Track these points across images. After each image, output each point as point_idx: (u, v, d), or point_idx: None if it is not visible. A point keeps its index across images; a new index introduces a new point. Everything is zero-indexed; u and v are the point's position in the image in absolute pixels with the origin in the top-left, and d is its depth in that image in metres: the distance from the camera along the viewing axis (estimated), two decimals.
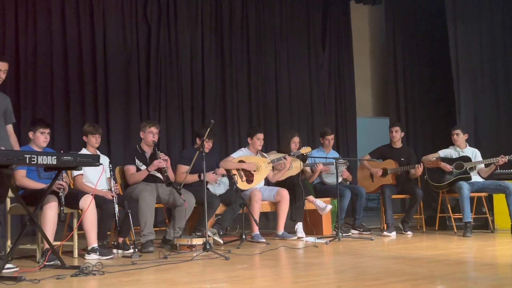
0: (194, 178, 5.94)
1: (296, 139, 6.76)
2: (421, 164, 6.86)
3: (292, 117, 9.99)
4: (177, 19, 8.85)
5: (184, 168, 5.99)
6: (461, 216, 6.59)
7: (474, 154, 6.94)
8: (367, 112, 11.48)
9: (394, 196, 6.99)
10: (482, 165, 6.84)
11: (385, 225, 6.81)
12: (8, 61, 4.55)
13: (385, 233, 6.66)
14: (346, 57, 10.80)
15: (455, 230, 6.76)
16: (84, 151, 5.43)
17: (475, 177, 6.86)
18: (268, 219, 8.80)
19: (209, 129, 5.50)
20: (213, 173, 6.04)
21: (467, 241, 6.03)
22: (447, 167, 6.78)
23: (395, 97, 10.98)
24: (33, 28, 7.67)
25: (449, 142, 7.18)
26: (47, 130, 4.98)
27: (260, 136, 6.54)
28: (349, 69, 10.82)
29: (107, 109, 8.13)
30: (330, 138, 7.15)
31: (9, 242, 4.82)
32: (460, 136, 6.95)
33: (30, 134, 4.95)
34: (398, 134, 7.14)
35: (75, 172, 5.26)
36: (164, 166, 5.58)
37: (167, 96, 8.65)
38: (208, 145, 5.95)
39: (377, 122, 11.64)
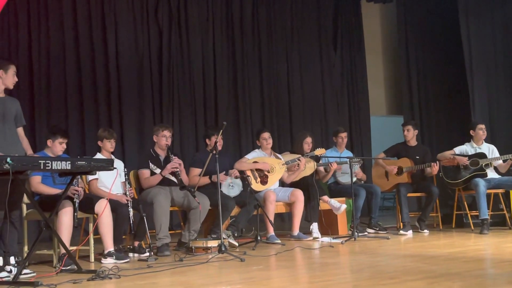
0: (205, 180, 5.95)
1: (308, 140, 6.74)
2: (437, 162, 6.80)
3: (305, 117, 9.95)
4: (188, 23, 8.87)
5: (196, 171, 6.00)
6: (478, 213, 6.53)
7: (490, 150, 6.88)
8: (380, 111, 11.41)
9: (409, 195, 6.94)
10: (500, 161, 6.77)
11: (401, 223, 6.77)
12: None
13: (401, 231, 6.61)
14: (358, 56, 10.75)
15: (472, 228, 6.70)
16: (98, 155, 5.47)
17: (491, 174, 6.79)
18: (283, 220, 8.78)
19: (221, 130, 5.51)
20: (225, 174, 6.03)
21: (484, 238, 5.98)
22: (463, 160, 6.72)
23: (408, 95, 10.88)
24: (46, 35, 7.72)
25: (464, 139, 7.11)
26: (66, 140, 5.04)
27: (265, 135, 6.52)
28: (362, 68, 10.76)
29: (120, 114, 8.16)
30: (343, 136, 7.13)
31: (25, 248, 4.88)
32: (485, 131, 6.90)
33: (49, 142, 4.99)
34: (410, 133, 7.08)
35: (90, 177, 5.29)
36: (178, 169, 5.60)
37: (180, 100, 8.67)
38: (219, 141, 5.83)
39: (391, 120, 11.56)
